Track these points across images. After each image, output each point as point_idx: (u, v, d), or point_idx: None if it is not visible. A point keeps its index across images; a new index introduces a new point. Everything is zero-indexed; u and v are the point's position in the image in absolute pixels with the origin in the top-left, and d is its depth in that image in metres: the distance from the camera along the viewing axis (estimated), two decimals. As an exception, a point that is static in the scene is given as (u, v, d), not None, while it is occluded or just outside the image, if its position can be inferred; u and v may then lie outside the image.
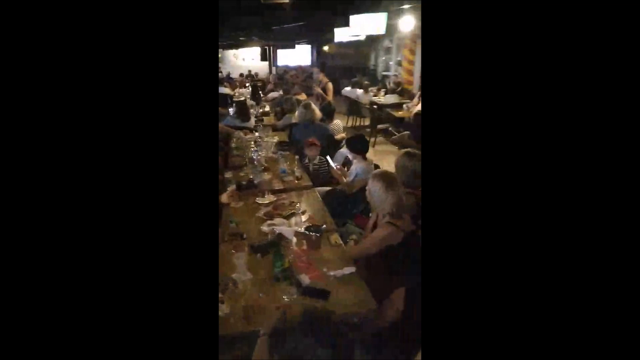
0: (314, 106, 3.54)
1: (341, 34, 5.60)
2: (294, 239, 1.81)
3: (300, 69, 11.07)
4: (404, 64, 7.64)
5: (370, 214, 2.01)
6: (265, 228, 1.91)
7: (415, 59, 7.19)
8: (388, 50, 9.48)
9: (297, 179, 2.66)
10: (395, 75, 8.24)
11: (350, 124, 6.92)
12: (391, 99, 6.31)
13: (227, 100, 5.35)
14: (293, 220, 2.03)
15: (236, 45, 9.44)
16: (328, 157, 2.87)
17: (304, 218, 2.05)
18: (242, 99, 5.46)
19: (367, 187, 1.76)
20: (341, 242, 1.82)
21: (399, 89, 6.86)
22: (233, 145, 3.50)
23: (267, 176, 2.70)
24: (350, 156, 2.86)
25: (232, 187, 2.28)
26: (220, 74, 9.42)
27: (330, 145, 3.38)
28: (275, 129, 4.25)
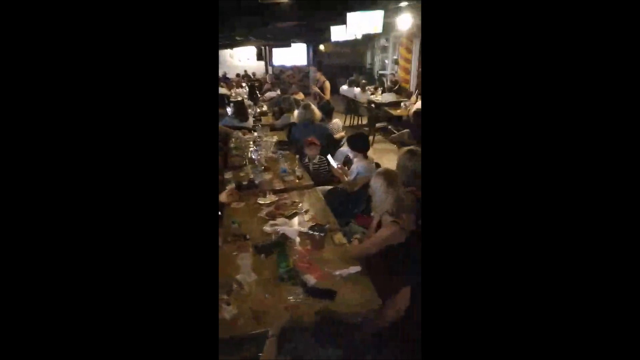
0: (313, 107, 3.53)
1: (338, 33, 5.59)
2: (298, 239, 1.80)
3: (296, 69, 11.06)
4: (400, 63, 7.64)
5: (371, 214, 2.00)
6: (267, 228, 1.90)
7: (412, 57, 7.19)
8: (384, 49, 9.49)
9: (298, 178, 2.65)
10: (392, 74, 8.24)
11: (348, 122, 6.91)
12: (389, 97, 6.32)
13: (225, 100, 5.33)
14: (296, 220, 2.02)
15: (232, 45, 9.36)
16: (329, 156, 2.86)
17: (307, 218, 2.04)
18: (240, 99, 5.44)
19: (370, 184, 1.75)
20: (345, 241, 1.81)
21: (396, 87, 6.88)
22: (232, 145, 3.48)
23: (267, 176, 2.69)
24: (351, 155, 2.84)
25: (231, 186, 2.23)
26: (217, 74, 9.36)
27: (330, 145, 3.37)
28: (273, 128, 4.24)
